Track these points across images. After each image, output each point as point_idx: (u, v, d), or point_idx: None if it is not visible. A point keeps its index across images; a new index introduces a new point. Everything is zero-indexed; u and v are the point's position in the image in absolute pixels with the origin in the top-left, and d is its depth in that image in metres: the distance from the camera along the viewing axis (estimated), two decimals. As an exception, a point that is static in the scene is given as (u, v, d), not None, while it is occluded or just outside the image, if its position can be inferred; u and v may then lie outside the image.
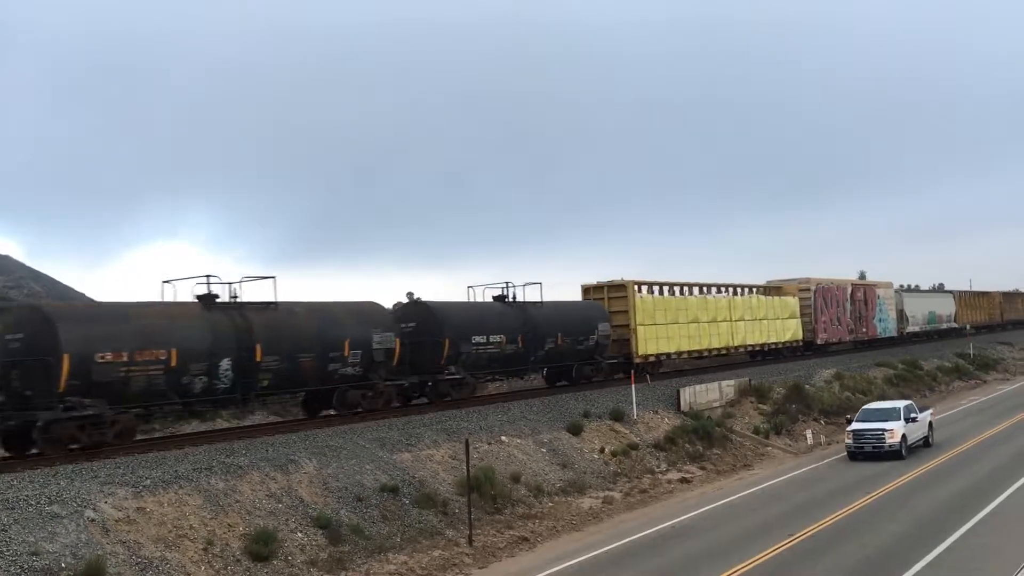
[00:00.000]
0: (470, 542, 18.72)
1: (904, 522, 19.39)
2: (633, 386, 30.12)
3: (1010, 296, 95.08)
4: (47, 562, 13.73)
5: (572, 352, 33.73)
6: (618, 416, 28.52)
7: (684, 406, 31.77)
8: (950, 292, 78.25)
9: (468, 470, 19.92)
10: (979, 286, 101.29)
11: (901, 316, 62.98)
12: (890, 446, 27.18)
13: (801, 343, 50.07)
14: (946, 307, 72.18)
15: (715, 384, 34.56)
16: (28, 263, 59.70)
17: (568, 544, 19.19)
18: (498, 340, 30.03)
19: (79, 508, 15.19)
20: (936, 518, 19.61)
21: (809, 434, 32.68)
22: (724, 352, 43.54)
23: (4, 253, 60.74)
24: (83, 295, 53.53)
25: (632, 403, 29.49)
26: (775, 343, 47.42)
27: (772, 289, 50.44)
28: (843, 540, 18.07)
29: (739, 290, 46.24)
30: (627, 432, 27.98)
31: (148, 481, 16.71)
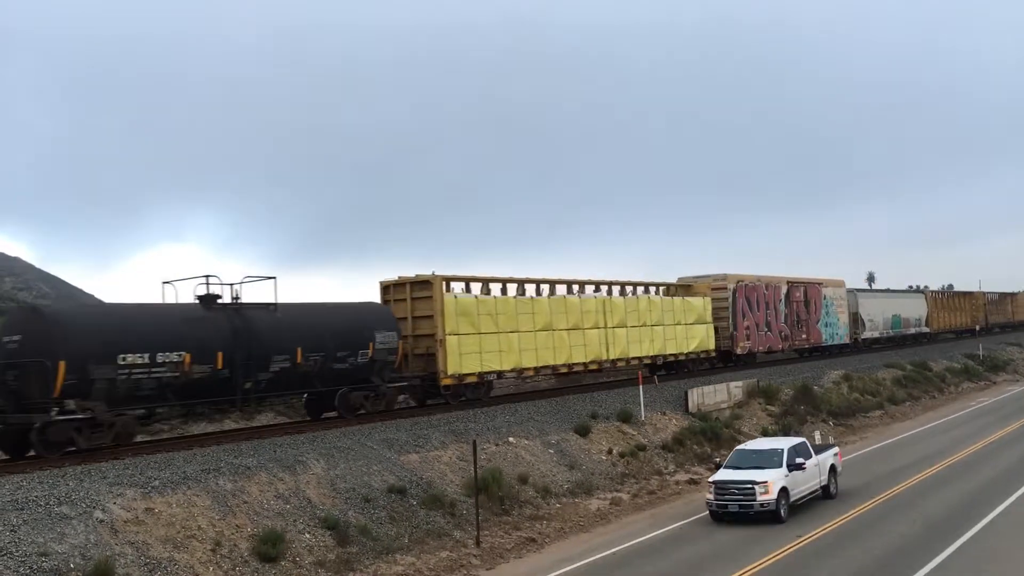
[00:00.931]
0: (478, 543, 18.73)
1: (915, 524, 19.32)
2: (641, 387, 30.08)
3: (998, 298, 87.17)
4: (56, 563, 13.79)
5: (327, 374, 24.45)
6: (626, 417, 28.50)
7: (692, 407, 31.73)
8: (921, 292, 71.47)
9: (476, 471, 19.93)
10: (989, 288, 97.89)
11: (855, 320, 55.18)
12: (762, 504, 19.88)
13: (713, 354, 41.21)
14: (915, 309, 64.23)
15: (723, 385, 34.50)
16: (38, 265, 60.04)
17: (576, 545, 19.19)
18: (175, 360, 20.82)
19: (88, 509, 15.25)
20: (948, 518, 19.53)
21: (817, 435, 32.42)
22: (595, 367, 34.22)
23: (15, 255, 61.07)
24: (92, 297, 53.79)
25: (640, 404, 29.46)
26: (674, 354, 38.09)
27: (679, 288, 41.54)
28: (849, 543, 18.00)
29: (630, 289, 37.07)
30: (635, 433, 27.95)
31: (156, 482, 16.76)
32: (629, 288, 37.10)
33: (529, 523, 20.54)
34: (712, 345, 40.49)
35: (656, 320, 36.93)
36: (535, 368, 30.97)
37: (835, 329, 52.41)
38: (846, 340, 53.69)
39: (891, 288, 65.66)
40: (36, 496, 15.28)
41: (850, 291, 55.52)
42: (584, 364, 33.05)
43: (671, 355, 37.89)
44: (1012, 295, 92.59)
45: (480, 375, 28.61)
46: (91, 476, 16.88)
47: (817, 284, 50.95)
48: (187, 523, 15.99)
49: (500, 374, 29.95)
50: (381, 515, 18.72)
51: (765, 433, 31.92)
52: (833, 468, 23.23)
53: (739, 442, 30.17)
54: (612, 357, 34.27)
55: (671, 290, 40.50)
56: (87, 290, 56.88)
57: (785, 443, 22.05)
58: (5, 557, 13.51)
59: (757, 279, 44.94)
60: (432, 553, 17.94)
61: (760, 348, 44.66)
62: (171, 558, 15.04)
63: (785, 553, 17.35)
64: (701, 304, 40.36)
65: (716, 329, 40.95)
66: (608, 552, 18.27)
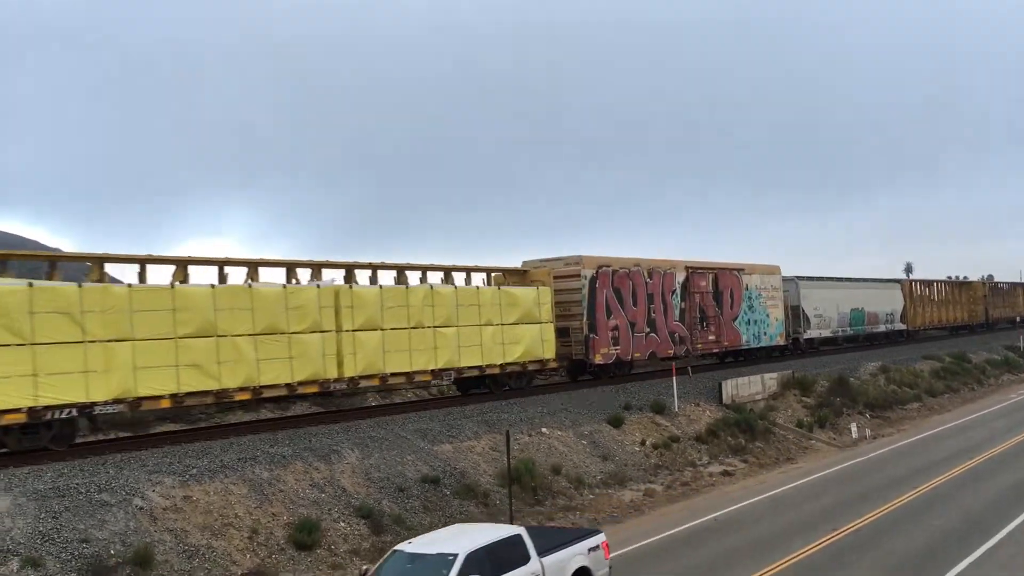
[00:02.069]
0: (511, 533, 18.72)
1: (955, 517, 19.08)
2: (674, 378, 29.93)
3: (1007, 288, 76.86)
4: (97, 549, 14.02)
5: None
6: (659, 408, 28.38)
7: (726, 399, 31.53)
8: (896, 281, 59.22)
9: (509, 461, 19.92)
10: None
11: (797, 315, 44.58)
12: None
13: (553, 364, 30.06)
14: (886, 302, 54.05)
15: (757, 377, 34.24)
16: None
17: (609, 536, 19.02)
18: None
19: (128, 496, 15.48)
20: (988, 511, 19.26)
21: (854, 428, 32.25)
22: (313, 390, 22.83)
23: (54, 246, 62.00)
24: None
25: (673, 396, 29.32)
26: (478, 367, 26.63)
27: (511, 276, 30.43)
28: (888, 536, 17.81)
29: (418, 275, 26.69)
30: (668, 424, 27.83)
31: (195, 470, 16.97)
32: (418, 274, 26.76)
33: (562, 514, 20.54)
34: (548, 353, 28.98)
35: (445, 319, 25.60)
36: (174, 395, 19.66)
37: (763, 328, 40.89)
38: (779, 341, 42.45)
39: (851, 277, 52.24)
40: (77, 484, 15.53)
41: (788, 279, 44.20)
42: (292, 385, 21.86)
43: (472, 367, 26.40)
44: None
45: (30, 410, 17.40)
46: (130, 464, 17.13)
47: (734, 270, 39.63)
48: (224, 511, 16.18)
49: (87, 407, 18.27)
50: (415, 504, 18.82)
51: (800, 425, 31.67)
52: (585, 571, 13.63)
53: (774, 434, 29.99)
54: (350, 374, 23.11)
55: (500, 279, 29.97)
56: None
57: (469, 542, 12.33)
58: (48, 543, 13.76)
59: (635, 264, 33.50)
60: (466, 543, 17.96)
61: (638, 355, 33.24)
62: (209, 545, 15.23)
63: (821, 546, 17.19)
64: (531, 297, 28.59)
65: (565, 331, 30.22)
66: (642, 543, 18.22)
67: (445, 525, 18.39)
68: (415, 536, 17.10)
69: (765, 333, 41.33)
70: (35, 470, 16.48)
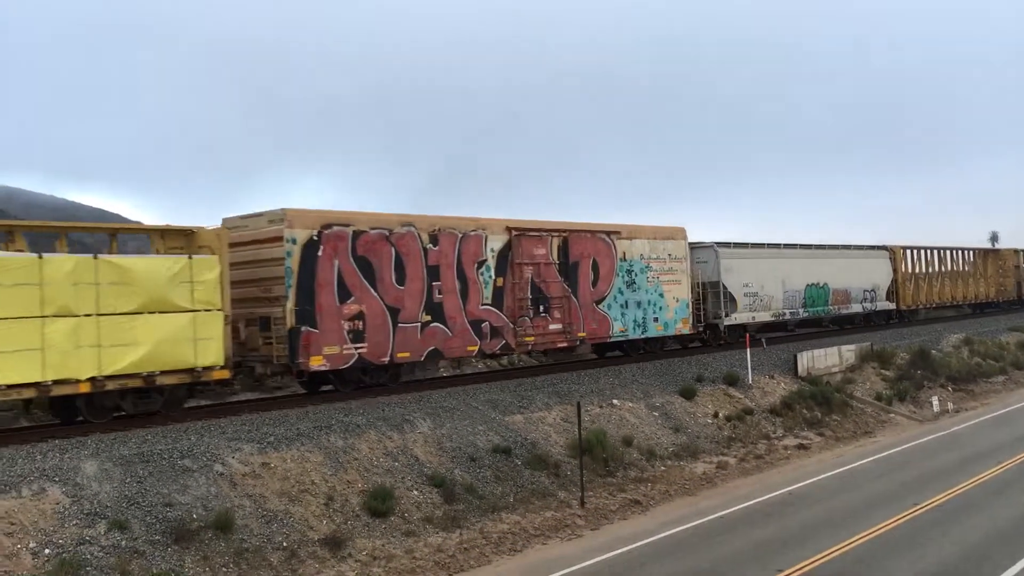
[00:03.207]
0: (582, 504, 18.76)
1: (1040, 494, 18.44)
2: (748, 350, 29.46)
3: None
4: (180, 513, 14.45)
5: None
6: (732, 380, 27.99)
7: (801, 371, 30.93)
8: (883, 248, 45.98)
9: (580, 432, 19.93)
10: None
11: (717, 294, 33.73)
12: None
13: (227, 374, 19.51)
14: (864, 276, 43.02)
15: (834, 349, 33.48)
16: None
17: (681, 508, 19.02)
18: None
19: (208, 463, 15.90)
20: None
21: (935, 401, 31.35)
22: None
23: (135, 219, 63.81)
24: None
25: (747, 368, 28.88)
26: (43, 383, 16.70)
27: (161, 237, 19.79)
28: (972, 512, 17.30)
29: None
30: (741, 397, 27.44)
31: (272, 438, 17.34)
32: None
33: (634, 485, 20.45)
34: (209, 357, 18.88)
35: None
36: None
37: (653, 311, 30.18)
38: (683, 329, 31.60)
39: (810, 243, 40.67)
40: (160, 450, 16.01)
41: (703, 247, 34.11)
42: None
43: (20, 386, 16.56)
44: None
45: None
46: (211, 432, 17.59)
47: (599, 233, 28.47)
48: (301, 478, 16.51)
49: None
50: (487, 474, 18.94)
51: (879, 398, 30.89)
52: None
53: (852, 407, 29.33)
54: None
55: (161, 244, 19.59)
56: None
57: None
58: (134, 507, 14.24)
59: (405, 223, 23.16)
60: (537, 513, 18.06)
61: (406, 355, 23.02)
62: (286, 511, 15.58)
63: (902, 520, 16.78)
64: (164, 271, 18.33)
65: (264, 323, 20.95)
66: (715, 516, 18.04)
67: (516, 495, 18.54)
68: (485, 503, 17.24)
69: (656, 319, 30.33)
70: (120, 436, 17.03)
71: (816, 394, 28.85)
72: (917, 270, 48.69)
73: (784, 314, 37.39)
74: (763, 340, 34.80)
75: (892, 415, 29.93)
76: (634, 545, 16.20)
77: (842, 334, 40.50)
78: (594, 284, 28.18)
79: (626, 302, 29.37)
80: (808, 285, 38.85)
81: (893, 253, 46.27)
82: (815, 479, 21.12)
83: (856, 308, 42.71)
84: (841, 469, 22.20)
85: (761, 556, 15.12)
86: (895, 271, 45.99)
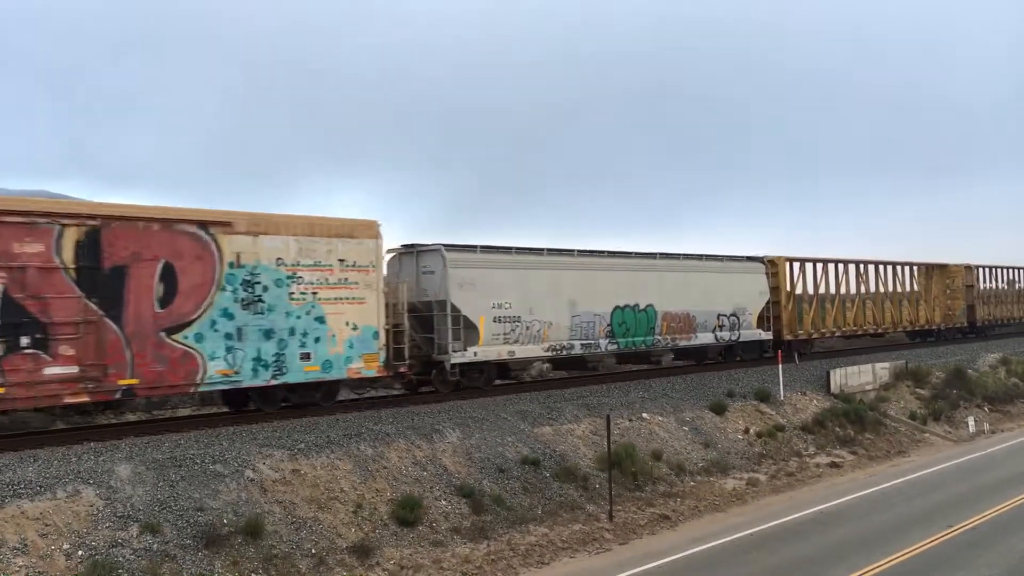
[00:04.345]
0: (610, 518, 18.66)
1: (1079, 518, 18.07)
2: (780, 366, 29.20)
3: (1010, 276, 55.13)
4: (211, 517, 14.56)
5: None
6: (763, 396, 27.73)
7: (834, 388, 30.59)
8: (757, 261, 35.43)
9: (609, 446, 19.84)
10: None
11: (444, 320, 23.79)
12: None
13: None
14: (719, 295, 32.46)
15: (868, 367, 33.09)
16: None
17: (711, 525, 18.85)
18: None
19: (239, 468, 16.02)
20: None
21: (971, 421, 30.87)
22: None
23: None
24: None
25: (779, 384, 28.61)
26: None
27: None
28: (1008, 534, 16.98)
29: None
30: (773, 413, 27.18)
31: (302, 445, 17.44)
32: None
33: (663, 500, 20.31)
34: None
35: None
36: None
37: (301, 343, 20.66)
38: (365, 370, 21.88)
39: (620, 251, 30.18)
40: (192, 454, 16.16)
41: (428, 250, 24.70)
42: None
43: None
44: None
45: None
46: (242, 437, 17.73)
47: (179, 224, 19.00)
48: (330, 485, 16.58)
49: None
50: (515, 486, 18.90)
51: (913, 417, 30.45)
52: None
53: (885, 426, 28.93)
54: None
55: None
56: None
57: None
58: (165, 511, 14.37)
59: None
60: (565, 526, 17.99)
61: None
62: (315, 518, 15.64)
63: (937, 542, 16.51)
64: None
65: None
66: (746, 533, 17.86)
67: (545, 507, 18.48)
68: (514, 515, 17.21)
69: (309, 354, 20.78)
70: (154, 440, 17.23)
71: (849, 412, 28.51)
72: (819, 289, 38.39)
73: (572, 347, 27.20)
74: (796, 356, 34.47)
75: (926, 434, 29.51)
76: (663, 561, 16.08)
77: (875, 350, 39.95)
78: (165, 303, 18.53)
79: (240, 330, 19.62)
80: (618, 308, 28.64)
81: (774, 266, 35.81)
82: (847, 498, 20.85)
83: (705, 338, 31.94)
84: (874, 488, 21.90)
85: (791, 575, 14.93)
86: (778, 290, 35.73)
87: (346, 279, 21.57)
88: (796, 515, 19.28)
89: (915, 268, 46.17)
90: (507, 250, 26.36)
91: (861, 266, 41.72)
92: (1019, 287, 56.47)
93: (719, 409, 25.84)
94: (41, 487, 14.02)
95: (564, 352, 27.28)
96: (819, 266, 38.95)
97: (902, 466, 25.07)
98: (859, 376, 32.10)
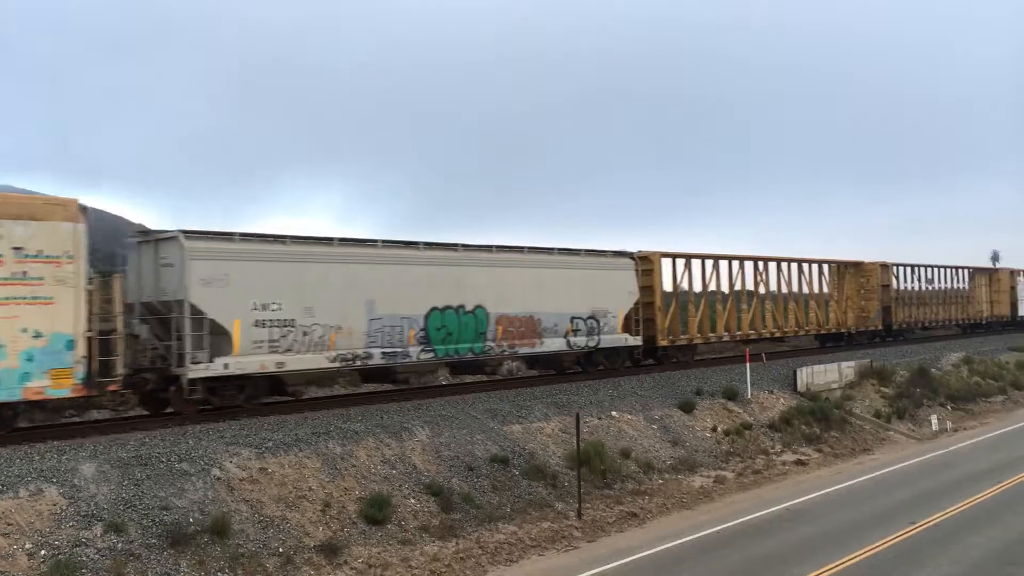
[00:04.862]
0: (579, 516, 18.73)
1: (1038, 515, 18.42)
2: (748, 365, 29.45)
3: (957, 275, 53.61)
4: (176, 516, 14.43)
5: None
6: (731, 395, 27.96)
7: (801, 387, 30.92)
8: (625, 256, 30.58)
9: (578, 444, 19.90)
10: None
11: (186, 325, 19.04)
12: None
13: None
14: (574, 296, 27.88)
15: (834, 365, 33.48)
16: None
17: (679, 522, 18.98)
18: None
19: (206, 467, 15.88)
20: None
21: (934, 419, 31.33)
22: None
23: (138, 222, 63.82)
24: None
25: (747, 382, 28.87)
26: None
27: None
28: (969, 531, 17.26)
29: None
30: (740, 411, 27.42)
31: (270, 443, 17.32)
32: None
33: (631, 498, 20.41)
34: None
35: None
36: None
37: None
38: (53, 389, 16.94)
39: (442, 242, 25.38)
40: (158, 453, 15.99)
41: (165, 238, 20.30)
42: None
43: None
44: (992, 271, 60.32)
45: None
46: (209, 435, 17.56)
47: None
48: (298, 484, 16.48)
49: None
50: (484, 484, 18.91)
51: (878, 415, 30.85)
52: None
53: (851, 424, 29.27)
54: None
55: None
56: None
57: None
58: (130, 510, 14.21)
59: None
60: (534, 523, 18.03)
61: None
62: (283, 517, 15.55)
63: (900, 539, 16.75)
64: None
65: None
66: (713, 530, 18.00)
67: (514, 505, 18.50)
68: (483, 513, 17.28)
69: None
70: (119, 438, 17.03)
71: (815, 410, 28.82)
72: (709, 286, 34.82)
73: (369, 356, 22.44)
74: (763, 355, 34.76)
75: (891, 433, 29.91)
76: (631, 558, 16.16)
77: (839, 350, 40.38)
78: None
79: None
80: (436, 310, 24.00)
81: (647, 263, 31.53)
82: (813, 495, 21.08)
83: (554, 345, 27.32)
84: (839, 486, 22.17)
85: (758, 572, 15.10)
86: (652, 289, 31.47)
87: (24, 273, 16.72)
88: (762, 512, 19.46)
89: (825, 266, 42.46)
90: (279, 239, 21.60)
91: (760, 263, 37.59)
92: (944, 288, 52.62)
93: (688, 407, 26.02)
94: (3, 486, 13.81)
95: (359, 362, 22.38)
96: (708, 263, 34.66)
97: (867, 464, 25.39)
98: (825, 375, 32.48)
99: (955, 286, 53.81)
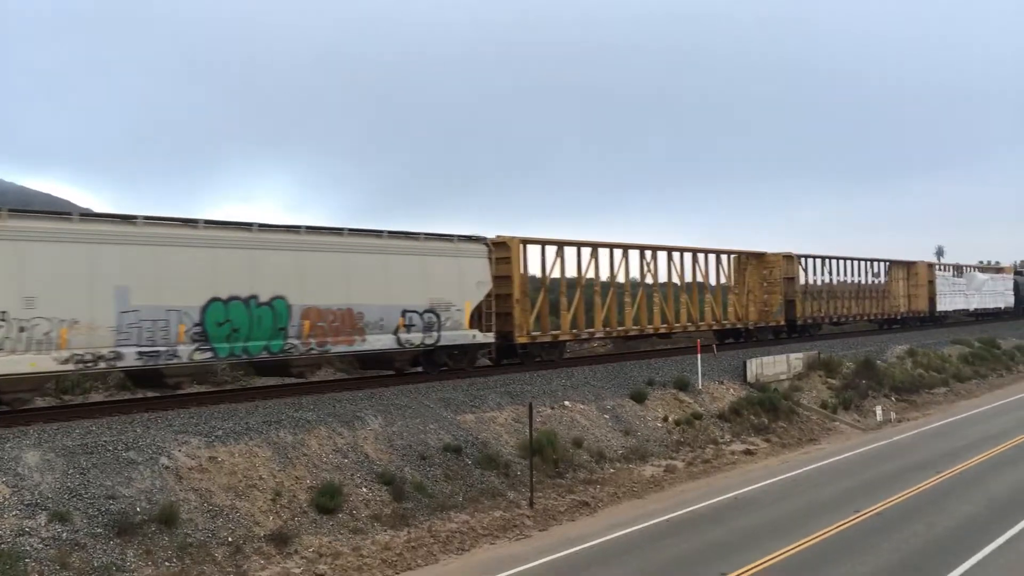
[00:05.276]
0: (531, 505, 18.83)
1: (979, 503, 18.92)
2: (699, 356, 29.81)
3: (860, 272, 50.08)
4: (123, 505, 14.22)
5: None
6: (683, 385, 28.29)
7: (750, 377, 31.38)
8: (473, 242, 26.77)
9: (531, 433, 20.00)
10: None
11: None
12: None
13: None
14: (407, 286, 24.60)
15: (783, 356, 34.02)
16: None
17: (629, 511, 19.18)
18: None
19: (154, 455, 15.67)
20: (1013, 499, 19.11)
21: (879, 410, 32.00)
22: None
23: (85, 206, 62.66)
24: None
25: (698, 373, 29.22)
26: None
27: None
28: (911, 519, 17.69)
29: None
30: (691, 401, 27.75)
31: (220, 432, 17.14)
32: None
33: (583, 487, 20.57)
34: None
35: None
36: None
37: None
38: None
39: (229, 221, 21.47)
40: (105, 441, 15.75)
41: None
42: None
43: None
44: (910, 264, 55.23)
45: None
46: (157, 424, 17.33)
47: None
48: (249, 473, 16.34)
49: None
50: (437, 473, 18.92)
51: (824, 406, 31.43)
52: None
53: (798, 415, 29.80)
54: None
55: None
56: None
57: None
58: (75, 499, 13.98)
59: None
60: (486, 512, 18.09)
61: None
62: (233, 506, 15.41)
63: (844, 526, 17.11)
64: None
65: None
66: (662, 519, 18.22)
67: (466, 494, 18.54)
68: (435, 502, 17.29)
69: None
70: (64, 426, 16.72)
71: (764, 400, 29.29)
72: (587, 275, 31.23)
73: (119, 356, 18.83)
74: (714, 346, 35.20)
75: (837, 423, 30.50)
76: (581, 547, 16.30)
77: (790, 341, 41.01)
78: None
79: None
80: (218, 300, 20.54)
81: (504, 249, 27.78)
82: (761, 484, 21.43)
83: (380, 342, 23.89)
84: (786, 475, 22.56)
85: (706, 559, 15.31)
86: (510, 279, 27.72)
87: None
88: (711, 501, 19.74)
89: (724, 257, 39.55)
90: None
91: (648, 252, 34.36)
92: (858, 282, 49.87)
93: (639, 397, 26.27)
94: (-58, 475, 13.49)
95: (104, 364, 18.75)
96: (586, 251, 31.06)
97: (813, 453, 25.87)
98: (774, 366, 32.99)
99: (871, 280, 51.06)
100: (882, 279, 52.56)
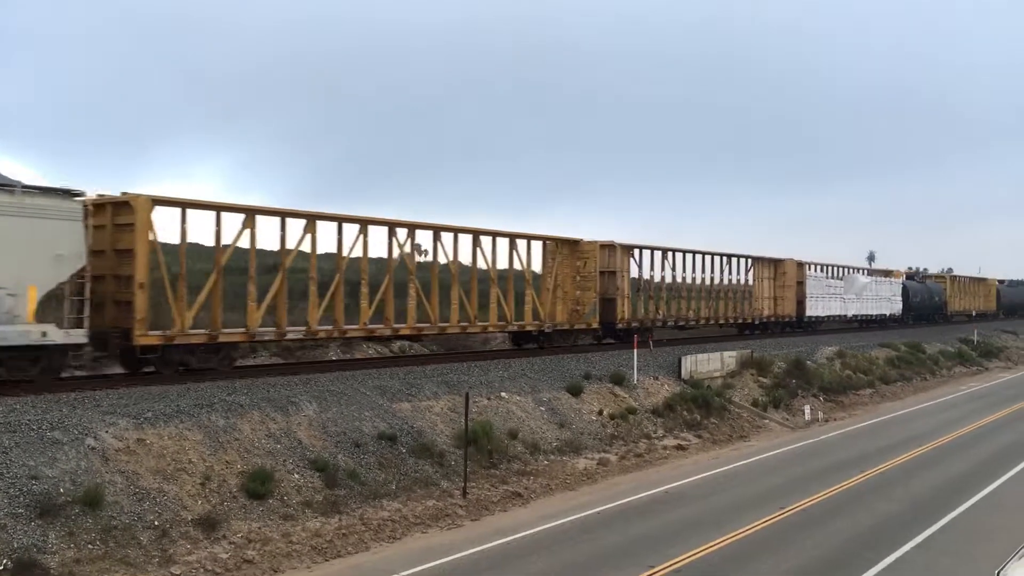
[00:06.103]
0: (464, 494, 18.85)
1: (901, 501, 19.49)
2: (635, 351, 30.13)
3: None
4: (46, 486, 13.86)
5: None
6: (619, 380, 28.58)
7: (685, 374, 31.84)
8: (52, 196, 18.39)
9: (467, 423, 20.01)
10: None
11: None
12: None
13: None
14: None
15: (717, 354, 34.60)
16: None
17: (561, 503, 19.33)
18: None
19: (80, 436, 15.29)
20: (934, 498, 19.73)
21: (807, 410, 32.75)
22: None
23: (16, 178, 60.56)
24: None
25: (633, 368, 29.54)
26: None
27: None
28: (834, 516, 18.15)
29: None
30: (626, 396, 28.05)
31: (150, 414, 16.80)
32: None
33: (516, 478, 20.67)
34: None
35: None
36: None
37: None
38: None
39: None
40: (29, 420, 15.32)
41: None
42: None
43: None
44: (777, 262, 48.86)
45: None
46: (84, 404, 16.92)
47: None
48: (178, 456, 16.05)
49: None
50: (370, 460, 18.82)
51: (755, 404, 32.06)
52: None
53: (729, 412, 30.35)
54: None
55: None
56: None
57: None
58: (-5, 478, 13.57)
59: None
60: (419, 501, 18.06)
61: None
62: (160, 489, 15.13)
63: (770, 522, 17.49)
64: None
65: None
66: (593, 511, 18.41)
67: (399, 483, 18.48)
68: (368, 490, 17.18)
69: None
70: (-15, 404, 16.21)
71: (697, 397, 29.75)
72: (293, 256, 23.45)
73: None
74: (650, 342, 35.60)
75: (766, 421, 31.14)
76: (512, 537, 16.39)
77: (722, 340, 41.67)
78: None
79: None
80: None
81: (128, 213, 20.39)
82: (691, 479, 21.79)
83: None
84: (716, 471, 22.97)
85: (635, 552, 15.51)
86: (132, 255, 20.22)
87: None
88: (643, 495, 20.01)
89: (523, 243, 31.69)
90: None
91: (400, 230, 26.76)
92: (713, 281, 43.26)
93: (576, 391, 26.47)
94: None
95: None
96: (295, 224, 23.85)
97: (743, 450, 26.37)
98: (708, 363, 33.53)
99: (730, 279, 44.74)
100: (744, 278, 46.13)
